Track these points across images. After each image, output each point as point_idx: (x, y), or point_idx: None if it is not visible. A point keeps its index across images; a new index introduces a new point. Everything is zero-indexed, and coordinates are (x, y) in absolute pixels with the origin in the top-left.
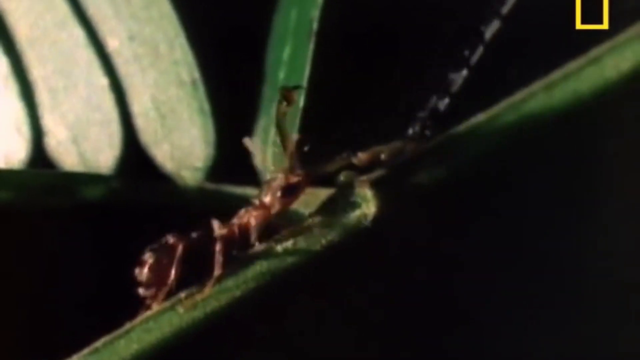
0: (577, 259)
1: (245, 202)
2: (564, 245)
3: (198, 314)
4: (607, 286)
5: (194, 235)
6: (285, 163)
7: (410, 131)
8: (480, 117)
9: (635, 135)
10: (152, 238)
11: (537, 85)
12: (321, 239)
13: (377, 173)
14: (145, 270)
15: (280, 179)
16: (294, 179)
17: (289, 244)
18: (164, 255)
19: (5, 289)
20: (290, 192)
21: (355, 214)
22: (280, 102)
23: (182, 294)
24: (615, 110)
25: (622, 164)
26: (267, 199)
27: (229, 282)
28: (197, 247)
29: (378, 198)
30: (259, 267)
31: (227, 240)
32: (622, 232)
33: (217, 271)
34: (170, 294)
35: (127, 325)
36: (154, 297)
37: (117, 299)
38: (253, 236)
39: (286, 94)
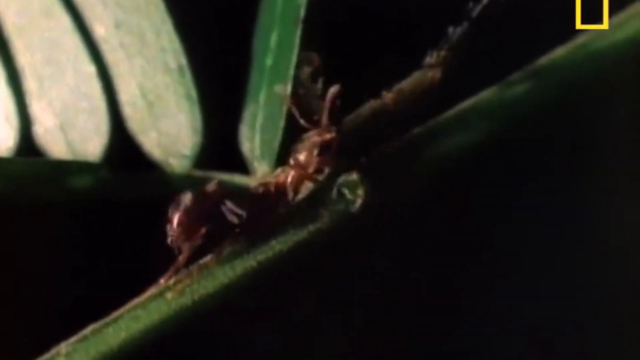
0: (574, 256)
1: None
2: (560, 241)
3: (186, 301)
4: (608, 284)
5: (230, 190)
6: (275, 153)
7: (428, 59)
8: (467, 103)
9: (631, 123)
10: (139, 226)
11: (525, 71)
12: (309, 226)
13: (366, 159)
14: (180, 211)
15: (315, 137)
16: (329, 136)
17: (277, 231)
18: (202, 201)
19: None
20: (326, 149)
21: (344, 201)
22: (302, 66)
23: (172, 280)
24: (609, 99)
25: (620, 157)
26: (302, 158)
27: (217, 270)
28: (232, 202)
29: (366, 185)
30: (246, 255)
31: (263, 199)
32: (621, 229)
33: (212, 258)
34: (199, 249)
35: (115, 313)
36: (183, 249)
37: (107, 288)
38: (290, 195)
39: (309, 58)
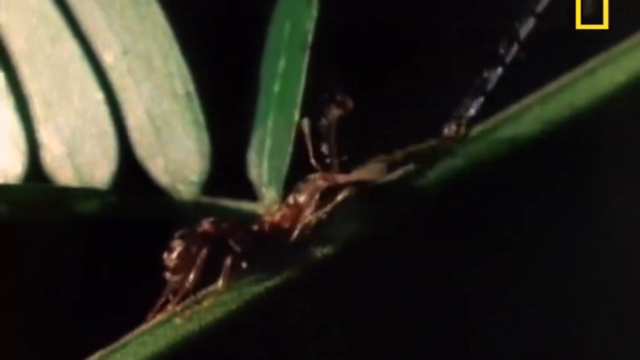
0: (571, 271)
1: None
2: (560, 255)
3: (193, 327)
4: (608, 286)
5: (225, 226)
6: (282, 178)
7: (447, 131)
8: (474, 131)
9: (633, 145)
10: (146, 252)
11: (531, 98)
12: (317, 252)
13: (374, 186)
14: (174, 256)
15: (320, 180)
16: (334, 184)
17: (285, 257)
18: (194, 243)
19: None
20: (328, 195)
21: (352, 228)
22: (333, 107)
23: (179, 306)
24: (612, 121)
25: (620, 172)
26: (302, 200)
27: (225, 295)
28: (228, 238)
29: (375, 212)
30: (255, 281)
31: (258, 236)
32: (618, 237)
33: (221, 284)
34: (195, 285)
35: (123, 339)
36: (179, 284)
37: (113, 314)
38: (294, 234)
39: (343, 102)
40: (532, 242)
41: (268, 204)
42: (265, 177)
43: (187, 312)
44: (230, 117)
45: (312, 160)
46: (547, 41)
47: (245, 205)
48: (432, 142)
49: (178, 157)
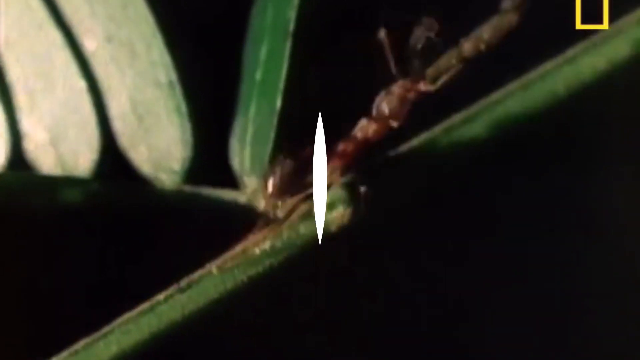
0: (563, 264)
1: (222, 205)
2: (549, 249)
3: (176, 316)
4: (606, 287)
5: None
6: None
7: (505, 3)
8: (455, 118)
9: (616, 133)
10: (129, 240)
11: (513, 85)
12: (299, 241)
13: (354, 173)
14: (271, 181)
15: (404, 86)
16: (422, 87)
17: (265, 245)
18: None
19: None
20: (415, 100)
21: (332, 216)
22: (420, 26)
23: (162, 294)
24: (594, 109)
25: (606, 161)
26: (388, 108)
27: (206, 284)
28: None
29: (354, 199)
30: (237, 269)
31: (350, 154)
32: (609, 232)
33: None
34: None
35: (107, 327)
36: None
37: (100, 301)
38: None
39: (430, 24)
40: (527, 238)
41: (250, 192)
42: (247, 165)
43: (170, 301)
44: (213, 105)
45: (393, 69)
46: (547, 41)
47: (227, 194)
48: (494, 19)
49: (160, 145)
